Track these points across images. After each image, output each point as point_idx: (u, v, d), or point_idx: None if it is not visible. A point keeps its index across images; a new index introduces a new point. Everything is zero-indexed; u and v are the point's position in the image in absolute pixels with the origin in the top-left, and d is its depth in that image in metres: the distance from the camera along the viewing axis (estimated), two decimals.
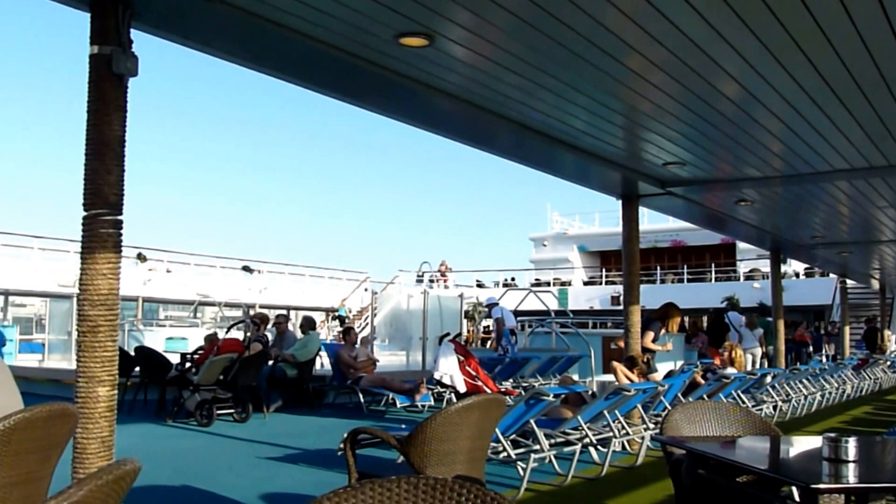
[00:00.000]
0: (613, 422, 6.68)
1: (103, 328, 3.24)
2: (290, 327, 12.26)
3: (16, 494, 2.51)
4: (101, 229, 3.25)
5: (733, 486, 2.98)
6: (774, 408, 10.05)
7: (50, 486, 2.68)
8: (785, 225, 11.49)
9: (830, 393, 11.91)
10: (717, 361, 10.38)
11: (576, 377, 11.75)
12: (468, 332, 30.79)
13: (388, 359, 14.86)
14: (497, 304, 14.22)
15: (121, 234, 3.31)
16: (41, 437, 2.57)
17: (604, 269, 35.25)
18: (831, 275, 23.82)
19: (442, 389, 10.34)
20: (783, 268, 15.04)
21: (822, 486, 2.58)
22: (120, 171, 3.35)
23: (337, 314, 34.06)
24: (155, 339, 16.39)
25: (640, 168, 7.68)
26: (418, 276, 32.82)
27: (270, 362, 10.51)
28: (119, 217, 3.33)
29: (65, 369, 13.69)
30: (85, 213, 3.31)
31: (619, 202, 8.81)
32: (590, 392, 7.54)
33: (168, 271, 30.96)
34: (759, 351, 14.32)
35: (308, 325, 11.25)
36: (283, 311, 14.61)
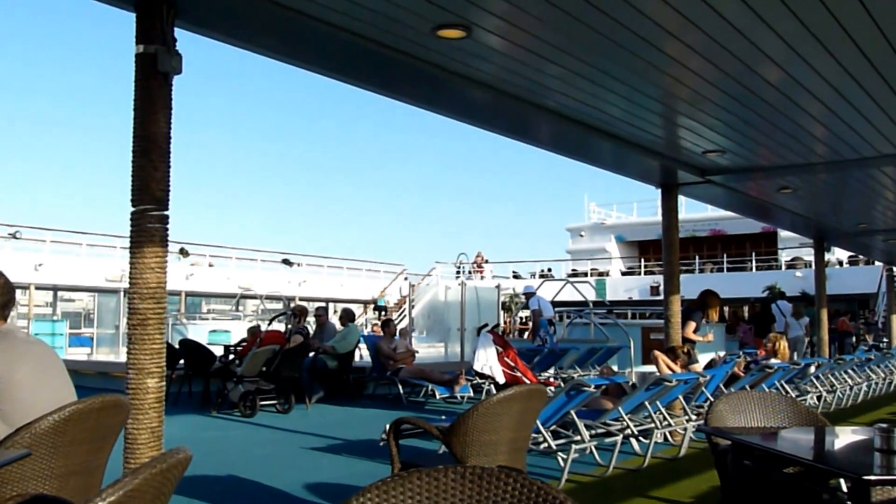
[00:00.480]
0: (655, 413, 6.62)
1: (152, 321, 3.30)
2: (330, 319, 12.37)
3: (71, 484, 2.58)
4: (149, 224, 3.31)
5: (780, 478, 2.93)
6: (818, 398, 9.86)
7: (104, 476, 2.74)
8: (829, 212, 11.24)
9: (877, 383, 11.64)
10: (760, 352, 10.22)
11: (615, 368, 11.67)
12: (505, 323, 30.76)
13: (426, 350, 14.94)
14: (534, 293, 14.16)
15: (167, 229, 3.37)
16: (95, 427, 2.63)
17: (642, 259, 34.86)
18: (877, 262, 23.24)
19: (481, 380, 10.35)
20: (827, 256, 14.70)
21: (874, 477, 2.53)
22: (166, 167, 3.40)
23: (377, 304, 34.45)
24: (198, 333, 16.68)
25: (679, 156, 7.57)
26: (456, 267, 32.84)
27: (311, 354, 10.61)
28: (165, 212, 3.39)
29: (113, 362, 14.02)
30: (133, 209, 3.37)
31: (658, 191, 8.70)
32: (630, 383, 7.48)
33: (210, 265, 31.47)
34: (805, 340, 14.07)
35: (347, 317, 11.34)
36: (323, 304, 14.76)
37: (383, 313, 33.95)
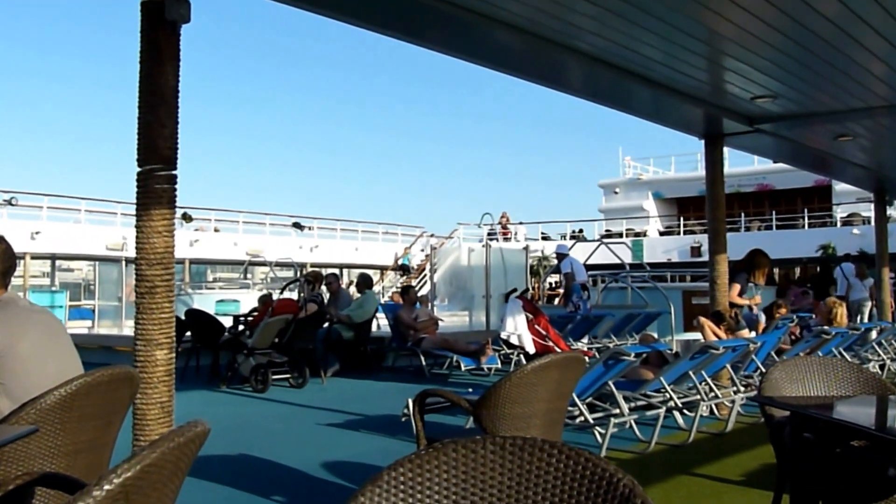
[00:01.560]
0: (700, 383, 6.61)
1: (160, 289, 3.33)
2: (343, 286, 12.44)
3: (80, 461, 2.62)
4: (156, 185, 3.32)
5: (845, 451, 2.91)
6: (881, 367, 9.78)
7: (112, 454, 2.79)
8: (892, 162, 11.04)
9: None
10: (815, 317, 10.14)
11: (655, 336, 11.67)
12: (534, 288, 30.76)
13: (449, 319, 15.00)
14: (567, 254, 14.11)
15: (175, 190, 3.38)
16: (103, 402, 2.67)
17: (682, 218, 34.59)
18: None
19: (509, 350, 10.39)
20: (889, 211, 14.46)
21: None
22: (174, 123, 3.39)
23: (401, 264, 34.83)
24: (205, 303, 16.87)
25: (724, 103, 7.44)
26: (488, 231, 32.92)
27: (326, 324, 10.70)
28: (173, 172, 3.40)
29: (117, 336, 14.24)
30: (139, 169, 3.39)
31: (701, 143, 8.59)
32: (672, 351, 7.47)
33: (216, 231, 31.71)
34: (868, 303, 13.92)
35: (364, 283, 11.39)
36: (335, 270, 14.84)
37: (407, 275, 34.35)
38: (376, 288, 32.89)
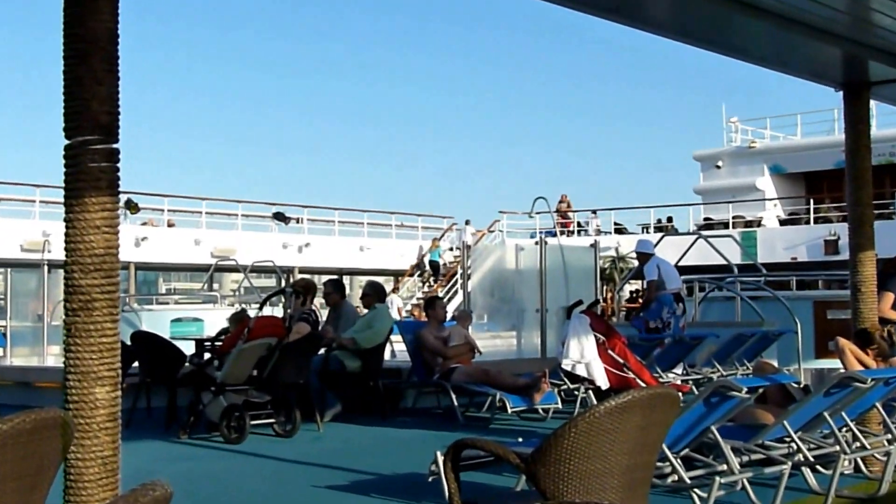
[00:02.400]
0: (840, 429, 6.56)
1: (100, 303, 3.36)
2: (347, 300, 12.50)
3: None
4: (92, 163, 3.34)
5: None
6: None
7: None
8: None
9: None
10: None
11: (776, 363, 11.57)
12: (608, 299, 30.52)
13: (489, 342, 14.99)
14: (652, 254, 14.06)
15: (117, 170, 3.41)
16: (24, 458, 2.70)
17: (811, 201, 34.31)
18: None
19: (573, 385, 10.39)
20: None
21: None
22: (113, 79, 3.40)
23: (429, 260, 35.14)
24: (157, 322, 17.00)
25: (870, 39, 7.38)
26: (543, 222, 32.83)
27: (323, 350, 10.74)
28: (114, 145, 3.42)
29: (37, 367, 14.40)
30: (68, 142, 3.41)
31: (839, 96, 8.52)
32: (800, 385, 7.41)
33: (170, 225, 32.08)
34: None
35: (374, 294, 11.43)
36: (334, 276, 14.91)
37: (435, 279, 34.55)
38: (390, 300, 33.05)
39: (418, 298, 33.84)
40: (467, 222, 36.07)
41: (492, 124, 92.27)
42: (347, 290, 17.83)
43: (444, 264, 35.15)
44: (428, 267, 35.49)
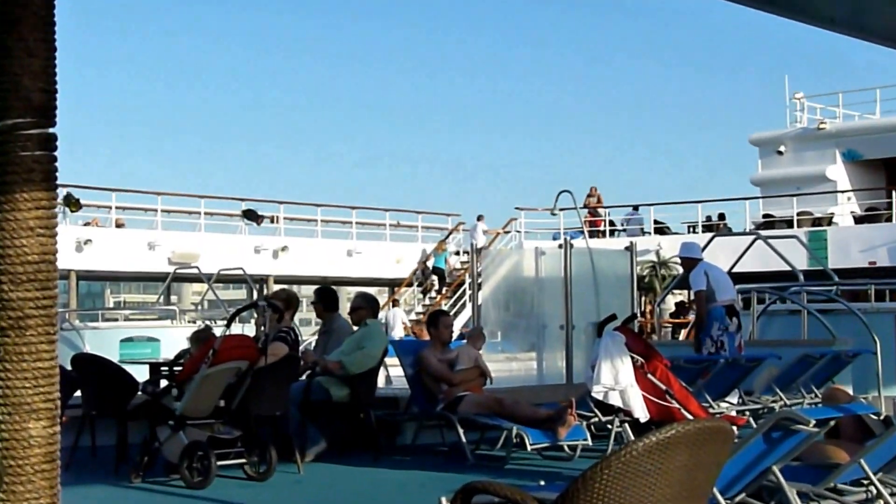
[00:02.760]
0: None
1: (35, 321, 3.35)
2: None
3: None
4: (23, 151, 3.33)
5: None
6: None
7: None
8: None
9: None
10: None
11: (850, 391, 11.55)
12: (647, 313, 30.39)
13: (504, 365, 15.02)
14: (700, 259, 14.02)
15: (55, 159, 3.39)
16: None
17: (893, 193, 34.23)
18: None
19: (606, 417, 10.38)
20: None
21: None
22: (49, 51, 3.39)
23: (432, 266, 35.05)
24: (104, 343, 17.03)
25: None
26: (552, 213, 32.73)
27: (304, 376, 10.75)
28: (51, 130, 3.41)
29: None
30: None
31: None
32: (880, 416, 7.40)
33: (119, 225, 32.10)
34: None
35: (366, 307, 11.41)
36: (319, 285, 14.86)
37: (441, 287, 34.44)
38: (391, 315, 32.98)
39: (418, 313, 33.85)
40: (479, 218, 36.00)
41: (504, 110, 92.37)
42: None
43: (451, 271, 35.14)
44: (432, 274, 35.46)
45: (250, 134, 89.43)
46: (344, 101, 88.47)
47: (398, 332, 30.15)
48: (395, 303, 32.88)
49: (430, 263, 35.55)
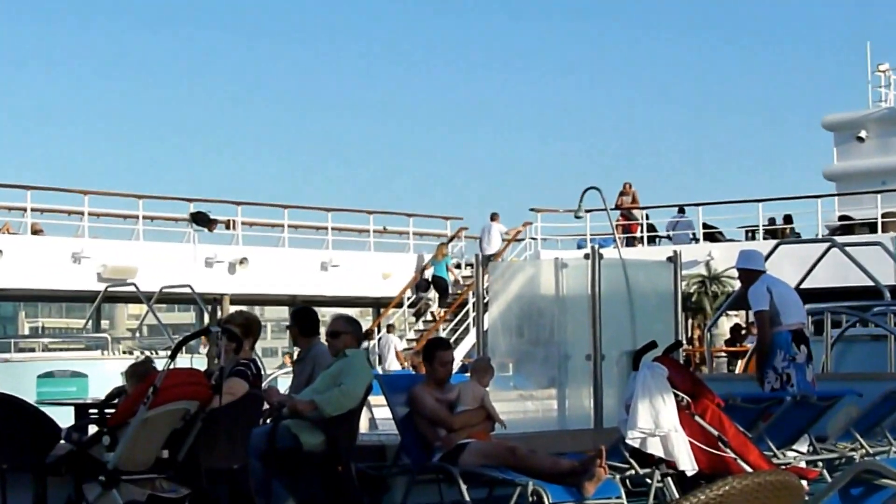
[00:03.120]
0: None
1: None
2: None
3: None
4: None
5: None
6: None
7: None
8: None
9: None
10: None
11: None
12: (695, 339, 30.16)
13: (517, 405, 14.98)
14: (761, 271, 13.98)
15: None
16: None
17: None
18: None
19: (643, 470, 10.39)
20: None
21: None
22: None
23: (431, 275, 34.54)
24: (17, 378, 17.04)
25: None
26: (576, 216, 32.67)
27: (268, 420, 10.80)
28: None
29: None
30: None
31: None
32: None
33: (36, 232, 31.96)
34: None
35: (346, 333, 11.40)
36: (300, 307, 14.81)
37: (442, 306, 34.04)
38: (385, 342, 32.64)
39: (410, 340, 33.72)
40: (494, 217, 35.71)
41: (511, 97, 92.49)
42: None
43: (455, 282, 34.82)
44: (430, 288, 34.98)
45: (201, 121, 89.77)
46: (318, 86, 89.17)
47: (393, 365, 29.97)
48: (389, 328, 32.72)
49: (428, 273, 35.14)
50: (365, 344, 30.17)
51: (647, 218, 37.55)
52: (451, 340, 30.45)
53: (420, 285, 35.17)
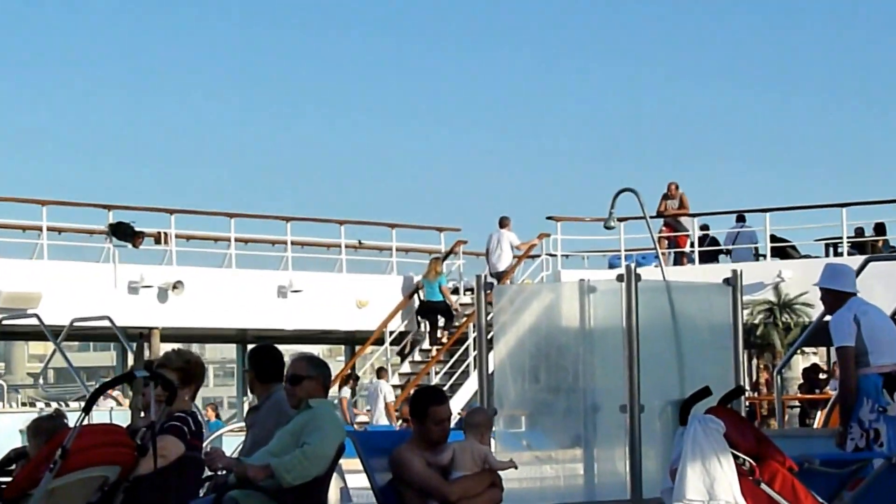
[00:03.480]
0: None
1: None
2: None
3: None
4: None
5: None
6: None
7: None
8: None
9: None
10: None
11: None
12: (761, 384, 30.08)
13: (531, 469, 14.98)
14: (851, 295, 13.90)
15: None
16: None
17: None
18: None
19: None
20: None
21: None
22: None
23: (422, 300, 33.97)
24: None
25: None
26: (606, 225, 32.69)
27: (212, 489, 10.87)
28: None
29: None
30: None
31: None
32: None
33: None
34: None
35: (316, 377, 11.42)
36: (261, 345, 14.84)
37: (444, 318, 33.78)
38: (374, 388, 32.55)
39: (393, 387, 33.55)
40: (503, 223, 35.39)
41: (521, 76, 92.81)
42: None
43: (456, 311, 34.34)
44: (421, 316, 34.77)
45: (124, 111, 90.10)
46: (273, 67, 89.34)
47: (381, 420, 29.76)
48: (380, 372, 32.54)
49: (421, 294, 34.77)
50: (335, 392, 30.27)
51: (697, 228, 37.22)
52: (447, 387, 30.43)
53: (406, 314, 34.94)
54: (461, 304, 34.79)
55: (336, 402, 27.79)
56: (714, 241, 37.57)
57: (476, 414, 12.59)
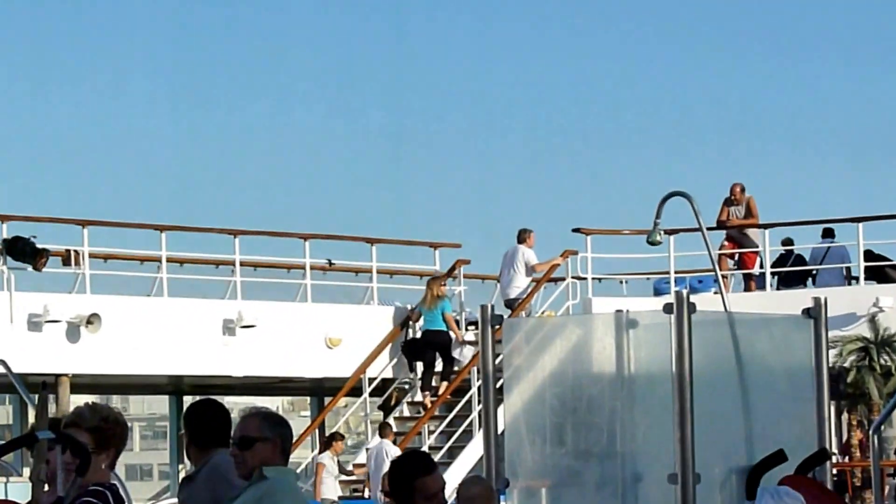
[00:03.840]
0: None
1: None
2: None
3: None
4: None
5: None
6: None
7: None
8: None
9: None
10: None
11: None
12: (852, 446, 30.17)
13: None
14: None
15: None
16: None
17: None
18: None
19: None
20: None
21: None
22: None
23: (421, 330, 33.64)
24: None
25: None
26: (649, 240, 32.73)
27: None
28: None
29: None
30: None
31: None
32: None
33: None
34: None
35: (273, 439, 11.42)
36: (202, 398, 14.95)
37: (417, 399, 33.87)
38: (379, 450, 32.70)
39: (368, 450, 33.60)
40: (523, 237, 35.45)
41: (527, 77, 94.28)
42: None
43: (460, 342, 34.20)
44: (416, 355, 34.73)
45: (26, 104, 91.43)
46: (221, 48, 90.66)
47: (373, 493, 29.77)
48: (383, 429, 32.39)
49: (417, 325, 34.65)
50: (298, 456, 30.35)
51: (784, 244, 36.99)
52: (445, 450, 30.57)
53: (392, 354, 34.74)
54: (465, 346, 34.43)
55: (299, 471, 27.67)
56: (800, 260, 37.23)
57: (472, 485, 12.57)
